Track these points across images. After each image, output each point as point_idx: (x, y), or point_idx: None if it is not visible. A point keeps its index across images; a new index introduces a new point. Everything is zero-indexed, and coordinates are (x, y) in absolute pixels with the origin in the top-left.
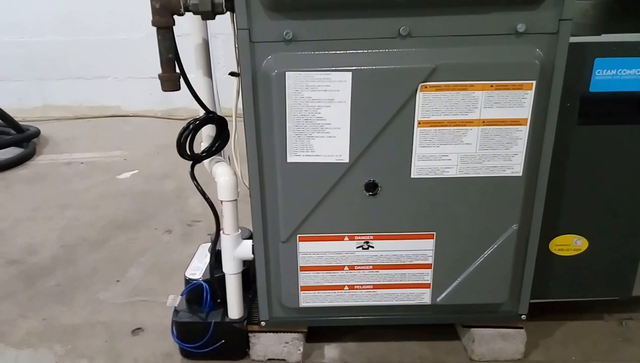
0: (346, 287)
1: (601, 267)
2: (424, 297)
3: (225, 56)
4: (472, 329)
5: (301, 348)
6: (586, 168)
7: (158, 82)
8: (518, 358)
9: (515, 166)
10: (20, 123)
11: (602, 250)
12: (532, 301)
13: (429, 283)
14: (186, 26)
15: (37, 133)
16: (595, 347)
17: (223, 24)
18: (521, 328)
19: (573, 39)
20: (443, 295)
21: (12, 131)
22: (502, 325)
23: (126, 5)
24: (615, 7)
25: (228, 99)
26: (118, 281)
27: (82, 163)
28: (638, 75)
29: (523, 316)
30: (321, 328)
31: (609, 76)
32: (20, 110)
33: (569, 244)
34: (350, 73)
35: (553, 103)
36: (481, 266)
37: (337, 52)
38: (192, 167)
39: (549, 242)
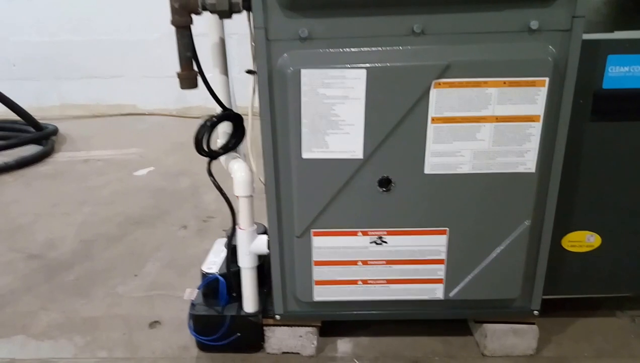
0: (360, 282)
1: (614, 264)
2: (437, 292)
3: (239, 55)
4: (485, 324)
5: (315, 342)
6: (599, 164)
7: (173, 81)
8: (530, 354)
9: (528, 162)
10: (39, 121)
11: (615, 247)
12: (544, 297)
13: (442, 279)
14: (202, 26)
15: (55, 131)
16: (608, 343)
17: (238, 23)
18: (533, 324)
19: (586, 36)
20: (456, 290)
21: (32, 129)
22: (515, 321)
23: (142, 6)
24: (628, 4)
25: (243, 96)
26: (136, 275)
27: (99, 160)
28: None
29: (535, 312)
30: (335, 322)
31: (622, 73)
32: (38, 108)
33: (582, 240)
34: (364, 70)
35: (566, 100)
36: (494, 262)
37: (352, 49)
38: (209, 163)
39: (562, 238)
